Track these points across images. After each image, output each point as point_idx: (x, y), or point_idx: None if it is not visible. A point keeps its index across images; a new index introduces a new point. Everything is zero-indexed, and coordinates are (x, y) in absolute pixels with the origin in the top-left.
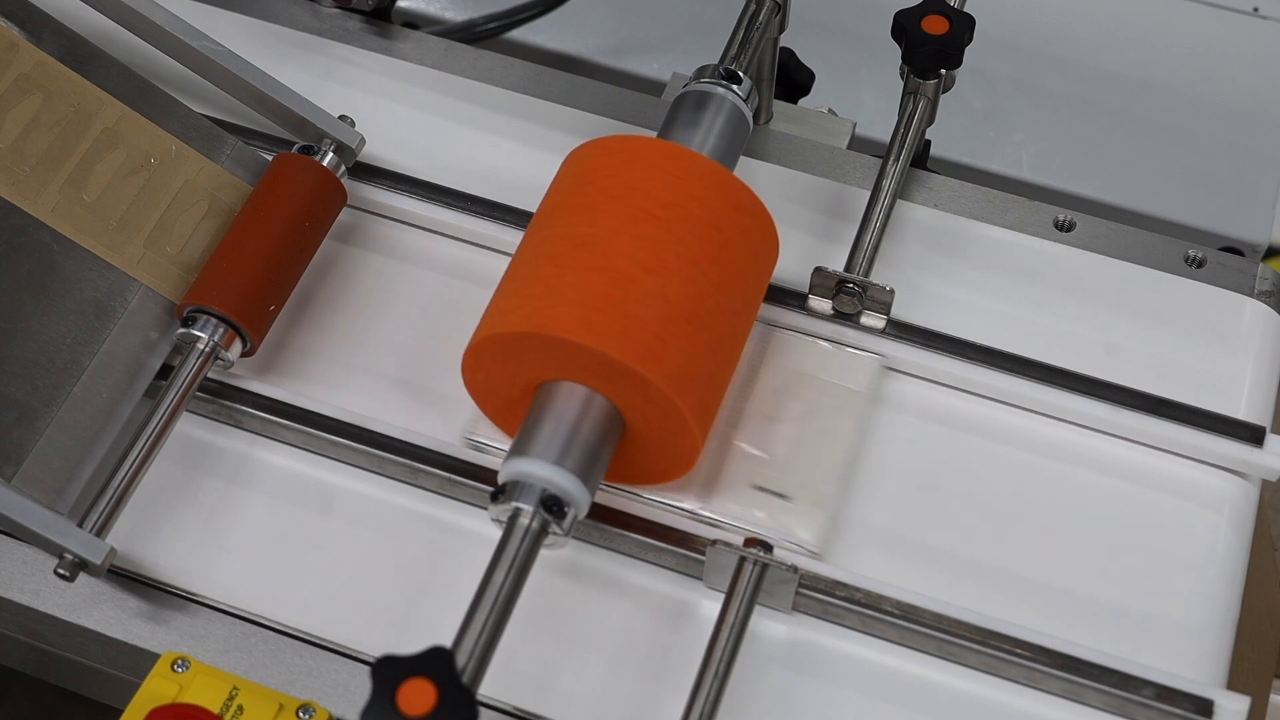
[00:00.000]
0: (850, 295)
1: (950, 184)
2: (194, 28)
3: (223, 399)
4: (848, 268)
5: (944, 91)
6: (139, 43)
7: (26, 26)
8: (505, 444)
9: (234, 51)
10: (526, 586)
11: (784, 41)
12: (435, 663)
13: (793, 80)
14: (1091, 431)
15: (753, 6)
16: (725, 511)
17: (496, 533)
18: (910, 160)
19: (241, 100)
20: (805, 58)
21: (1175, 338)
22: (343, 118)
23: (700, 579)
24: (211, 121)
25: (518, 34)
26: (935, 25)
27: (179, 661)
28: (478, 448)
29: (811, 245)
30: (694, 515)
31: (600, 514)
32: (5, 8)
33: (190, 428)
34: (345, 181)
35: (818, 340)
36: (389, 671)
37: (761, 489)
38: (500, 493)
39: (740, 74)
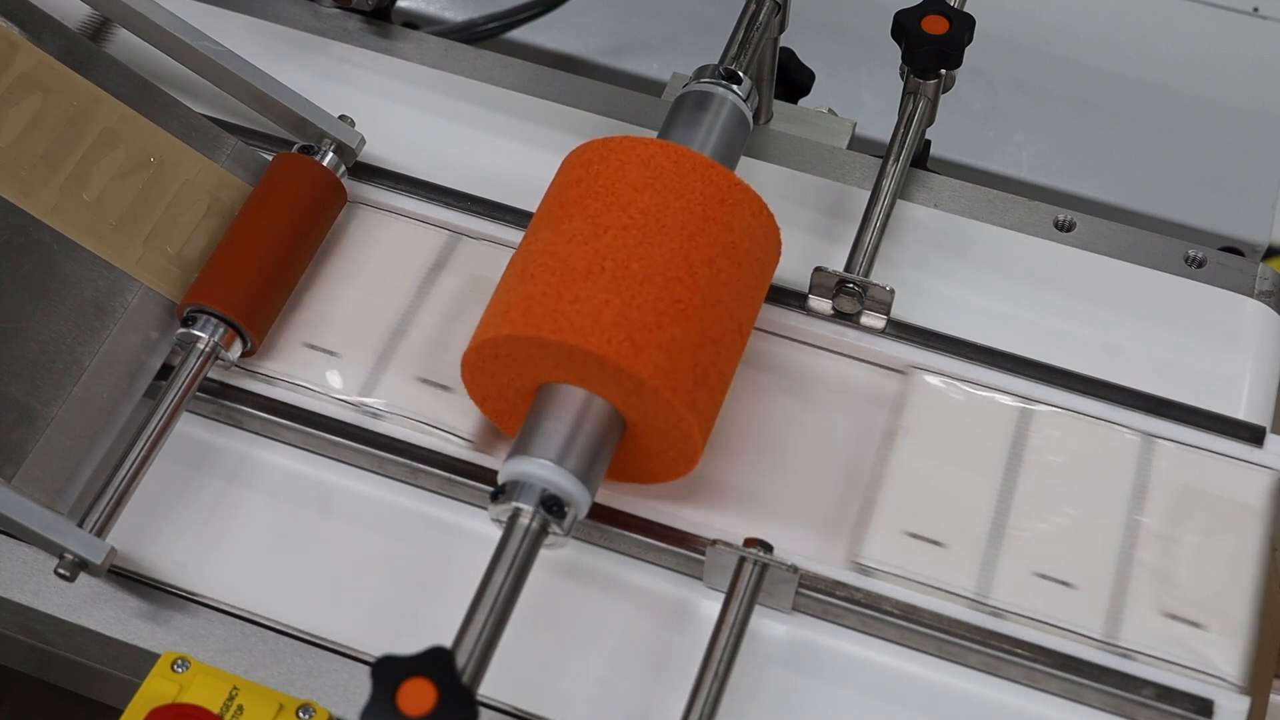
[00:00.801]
0: (850, 295)
1: (950, 184)
2: (194, 28)
3: (223, 399)
4: (848, 268)
5: (944, 91)
6: (139, 43)
7: (26, 26)
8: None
9: (234, 51)
10: (526, 586)
11: (784, 41)
12: (435, 663)
13: (793, 80)
14: None
15: (753, 6)
16: (1139, 642)
17: (496, 533)
18: (910, 160)
19: (241, 100)
20: (805, 58)
21: (1175, 338)
22: (343, 118)
23: (700, 579)
24: (211, 121)
25: (518, 34)
26: (935, 25)
27: (179, 661)
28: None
29: (811, 245)
30: (1103, 644)
31: (600, 514)
32: (5, 8)
33: (190, 428)
34: (345, 181)
35: (1208, 453)
36: (389, 671)
37: (1173, 616)
38: (500, 493)
39: (740, 74)
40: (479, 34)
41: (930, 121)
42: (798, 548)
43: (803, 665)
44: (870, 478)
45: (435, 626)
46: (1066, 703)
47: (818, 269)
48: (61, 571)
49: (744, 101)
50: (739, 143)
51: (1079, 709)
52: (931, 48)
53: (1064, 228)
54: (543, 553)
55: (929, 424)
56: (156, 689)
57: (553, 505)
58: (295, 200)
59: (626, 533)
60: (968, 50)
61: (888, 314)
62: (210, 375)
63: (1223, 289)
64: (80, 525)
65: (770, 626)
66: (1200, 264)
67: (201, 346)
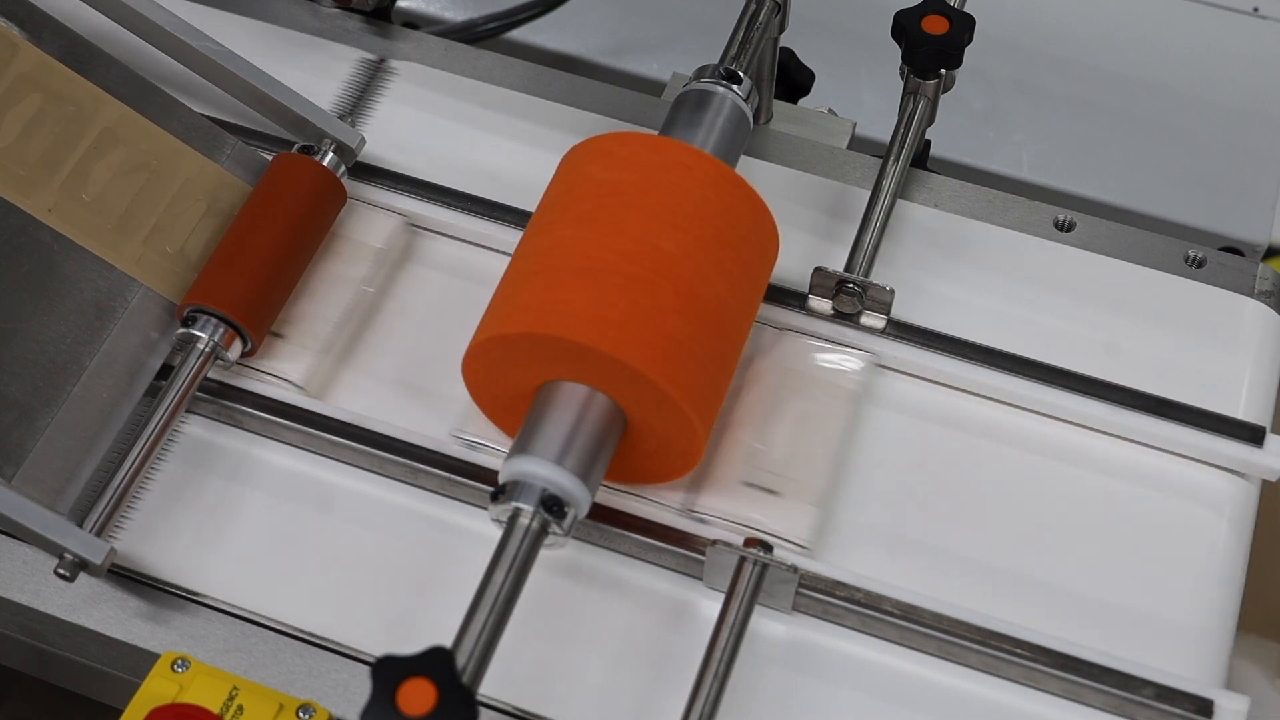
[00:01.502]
0: (850, 295)
1: (950, 184)
2: (194, 28)
3: (223, 399)
4: (848, 268)
5: (944, 91)
6: (139, 43)
7: (26, 26)
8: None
9: (234, 51)
10: (526, 586)
11: (784, 41)
12: (435, 663)
13: (793, 80)
14: (1091, 431)
15: (753, 6)
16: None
17: (496, 533)
18: (910, 160)
19: (241, 100)
20: (805, 58)
21: (1175, 338)
22: (343, 118)
23: (700, 579)
24: (211, 121)
25: (518, 34)
26: (935, 25)
27: (179, 661)
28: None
29: (811, 245)
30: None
31: (600, 514)
32: (5, 8)
33: (190, 428)
34: (345, 181)
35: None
36: (389, 671)
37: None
38: (500, 493)
39: (740, 74)
40: (479, 34)
41: (930, 121)
42: None
43: (803, 665)
44: None
45: (435, 626)
46: (1066, 703)
47: (818, 269)
48: (61, 571)
49: (744, 101)
50: (739, 142)
51: (1079, 709)
52: (931, 48)
53: (1064, 228)
54: (543, 553)
55: None
56: (156, 689)
57: (553, 505)
58: (295, 200)
59: (626, 533)
60: (968, 50)
61: (888, 314)
62: (210, 375)
63: (1223, 289)
64: (80, 525)
65: (770, 626)
66: (1200, 264)
67: (201, 346)
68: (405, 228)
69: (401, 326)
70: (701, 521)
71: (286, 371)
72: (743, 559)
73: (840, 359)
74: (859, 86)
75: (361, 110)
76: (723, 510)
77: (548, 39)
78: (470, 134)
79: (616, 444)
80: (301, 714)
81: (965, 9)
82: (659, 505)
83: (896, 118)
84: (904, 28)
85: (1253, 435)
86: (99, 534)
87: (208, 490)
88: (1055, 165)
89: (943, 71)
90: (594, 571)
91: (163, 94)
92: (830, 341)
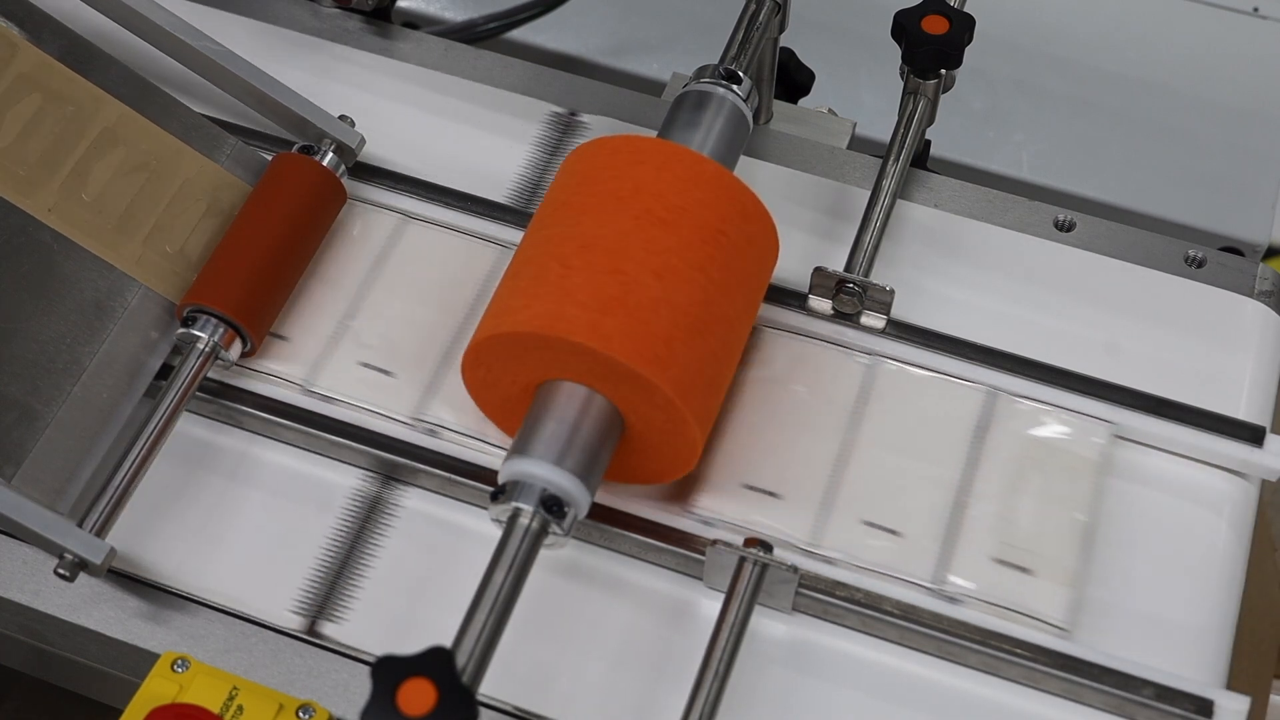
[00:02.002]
0: (850, 295)
1: (950, 184)
2: (194, 28)
3: (223, 399)
4: (848, 268)
5: (944, 91)
6: (139, 43)
7: (26, 26)
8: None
9: (234, 51)
10: (526, 586)
11: (784, 41)
12: (435, 663)
13: (793, 80)
14: None
15: (753, 6)
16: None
17: (496, 533)
18: (910, 160)
19: (241, 100)
20: (805, 58)
21: (1175, 338)
22: (343, 118)
23: (700, 579)
24: (211, 121)
25: (518, 34)
26: (935, 25)
27: (179, 661)
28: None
29: (811, 245)
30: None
31: (600, 514)
32: (5, 8)
33: (190, 427)
34: (345, 181)
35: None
36: (389, 671)
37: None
38: (500, 493)
39: (740, 74)
40: (479, 34)
41: (930, 121)
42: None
43: (803, 665)
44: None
45: (435, 626)
46: (1066, 703)
47: (818, 269)
48: (61, 571)
49: (744, 101)
50: (739, 143)
51: (1079, 709)
52: (931, 48)
53: (1064, 228)
54: (543, 553)
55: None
56: (156, 689)
57: (553, 505)
58: (295, 200)
59: (626, 533)
60: (968, 50)
61: (888, 314)
62: (210, 375)
63: (1223, 289)
64: (80, 525)
65: (770, 626)
66: (1200, 264)
67: (201, 346)
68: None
69: (401, 326)
70: (952, 601)
71: (288, 372)
72: (743, 559)
73: (1080, 426)
74: (859, 86)
75: (362, 110)
76: (969, 587)
77: (548, 39)
78: (470, 134)
79: (616, 444)
80: (301, 714)
81: (965, 9)
82: (900, 582)
83: (896, 118)
84: (904, 28)
85: (1253, 435)
86: (99, 534)
87: (208, 490)
88: (1055, 165)
89: (943, 71)
90: (594, 571)
91: (163, 94)
92: (1059, 408)
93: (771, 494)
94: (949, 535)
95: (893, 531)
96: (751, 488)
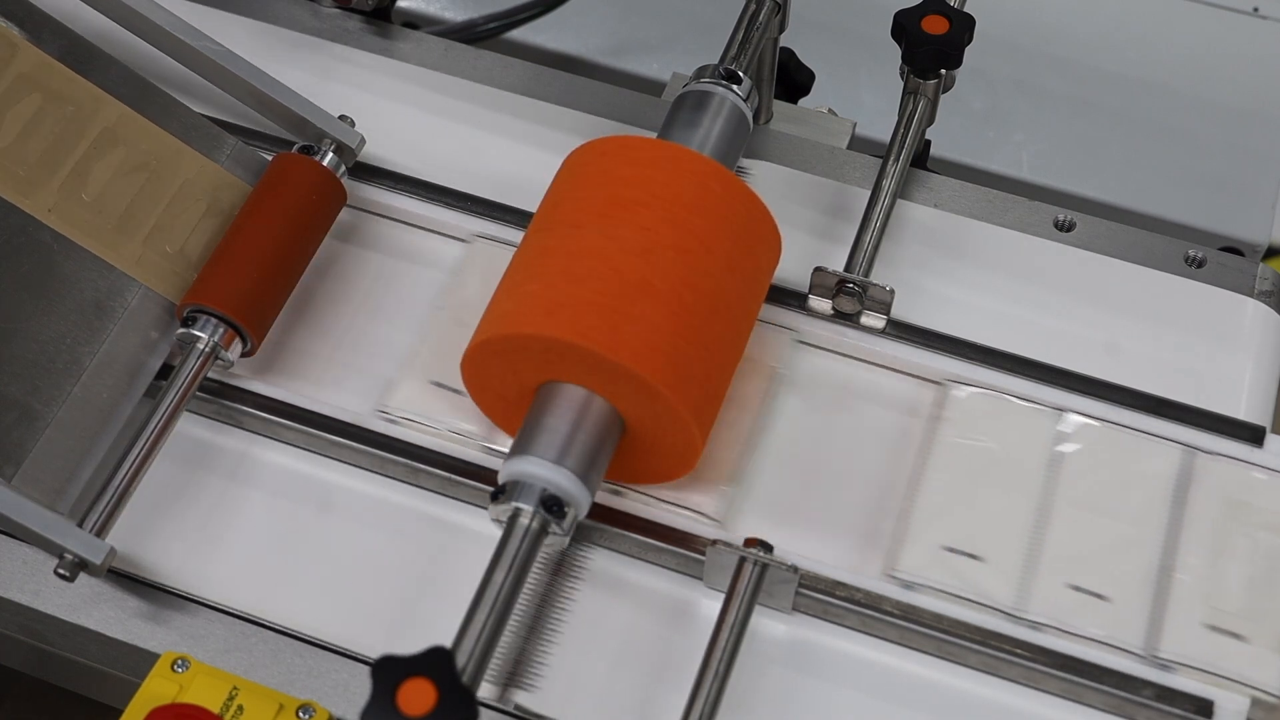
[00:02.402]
0: (850, 295)
1: (950, 184)
2: (194, 28)
3: (223, 399)
4: (848, 268)
5: (944, 91)
6: (139, 43)
7: (26, 26)
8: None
9: (234, 51)
10: (526, 586)
11: (784, 41)
12: (435, 663)
13: (793, 80)
14: None
15: (753, 6)
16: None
17: (496, 533)
18: (910, 160)
19: (241, 100)
20: (805, 58)
21: (1175, 338)
22: (343, 118)
23: (700, 579)
24: (211, 121)
25: (518, 34)
26: (935, 25)
27: (179, 661)
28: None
29: (811, 245)
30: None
31: (600, 514)
32: (5, 8)
33: (190, 428)
34: (345, 181)
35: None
36: (389, 671)
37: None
38: (500, 493)
39: (740, 74)
40: (479, 34)
41: (930, 121)
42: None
43: (803, 665)
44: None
45: (435, 626)
46: (1066, 703)
47: (818, 269)
48: (61, 571)
49: (744, 101)
50: (739, 143)
51: (1079, 709)
52: (931, 48)
53: (1064, 228)
54: (542, 553)
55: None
56: (156, 689)
57: (553, 505)
58: (295, 200)
59: (626, 533)
60: (968, 50)
61: (888, 314)
62: (210, 375)
63: (1223, 289)
64: (80, 525)
65: (770, 626)
66: (1200, 264)
67: (201, 347)
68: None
69: (401, 326)
70: (1165, 668)
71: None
72: (743, 559)
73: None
74: (859, 86)
75: (362, 110)
76: (1186, 656)
77: (548, 39)
78: (470, 134)
79: (616, 444)
80: (301, 714)
81: (965, 9)
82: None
83: (896, 118)
84: (904, 28)
85: (1253, 435)
86: (99, 534)
87: (208, 490)
88: (1055, 165)
89: (943, 71)
90: (594, 571)
91: (163, 94)
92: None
93: (973, 556)
94: (1156, 600)
95: (1100, 596)
96: (953, 550)
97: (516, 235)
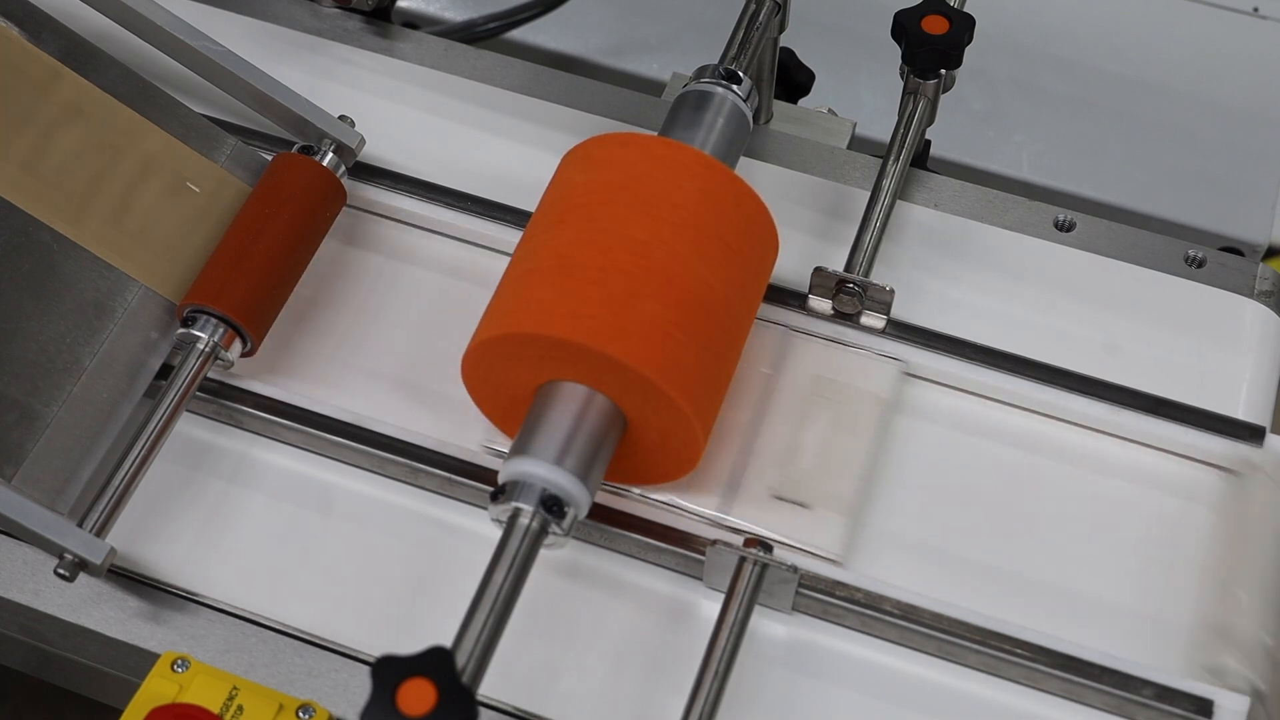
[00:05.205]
0: (850, 295)
1: (950, 184)
2: (194, 28)
3: (223, 399)
4: (848, 268)
5: (944, 91)
6: (139, 43)
7: (26, 26)
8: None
9: (234, 51)
10: (526, 586)
11: (784, 41)
12: (435, 663)
13: (793, 80)
14: (1091, 431)
15: (753, 6)
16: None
17: (496, 533)
18: (910, 160)
19: (241, 100)
20: (805, 58)
21: (1175, 338)
22: (343, 118)
23: (700, 579)
24: (211, 121)
25: (518, 34)
26: (935, 25)
27: (179, 661)
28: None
29: (811, 245)
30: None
31: (600, 514)
32: (5, 8)
33: (190, 428)
34: (345, 181)
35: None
36: (389, 671)
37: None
38: (500, 493)
39: (740, 74)
40: (479, 34)
41: (930, 121)
42: None
43: (803, 665)
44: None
45: (435, 626)
46: (1066, 703)
47: (818, 269)
48: (61, 571)
49: (744, 101)
50: (739, 143)
51: (1079, 709)
52: (931, 48)
53: (1064, 228)
54: (543, 553)
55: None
56: (156, 689)
57: (553, 505)
58: (295, 200)
59: (626, 533)
60: (968, 50)
61: (888, 314)
62: (210, 375)
63: (1223, 289)
64: (80, 525)
65: (770, 626)
66: (1200, 264)
67: (201, 347)
68: (904, 375)
69: (402, 326)
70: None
71: (818, 543)
72: (743, 559)
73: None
74: (859, 86)
75: (362, 110)
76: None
77: (548, 39)
78: (470, 134)
79: (616, 444)
80: (301, 714)
81: (965, 9)
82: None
83: (896, 118)
84: (904, 28)
85: (1253, 435)
86: (99, 534)
87: (208, 490)
88: (1055, 165)
89: (943, 71)
90: (594, 571)
91: (163, 94)
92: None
93: None
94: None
95: None
96: None
97: (516, 235)
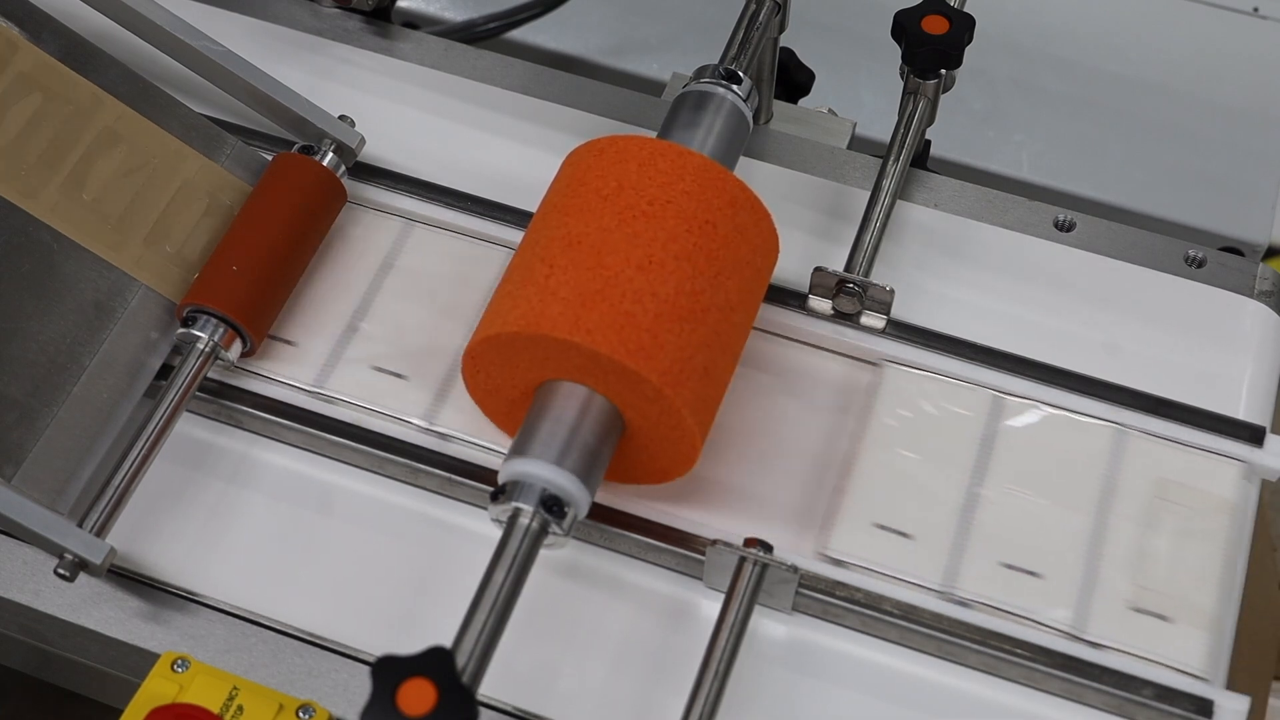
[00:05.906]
0: (850, 295)
1: (950, 184)
2: (194, 28)
3: (223, 399)
4: (848, 268)
5: (944, 91)
6: (139, 43)
7: (26, 26)
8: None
9: (234, 51)
10: (526, 586)
11: (784, 41)
12: (435, 663)
13: (793, 80)
14: None
15: (753, 6)
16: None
17: (496, 533)
18: (910, 160)
19: (241, 100)
20: (805, 58)
21: (1175, 338)
22: (343, 118)
23: (700, 579)
24: (211, 121)
25: (518, 34)
26: (935, 25)
27: (179, 661)
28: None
29: (811, 245)
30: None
31: (600, 514)
32: (5, 8)
33: (190, 428)
34: (345, 181)
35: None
36: (389, 671)
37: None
38: (500, 493)
39: (740, 74)
40: (479, 34)
41: (930, 121)
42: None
43: (803, 665)
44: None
45: (435, 626)
46: (1066, 703)
47: (818, 269)
48: (61, 571)
49: (744, 101)
50: (739, 143)
51: (1079, 709)
52: (931, 48)
53: (1064, 228)
54: (543, 553)
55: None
56: (156, 689)
57: (553, 505)
58: (295, 200)
59: (626, 533)
60: (968, 50)
61: (888, 314)
62: (210, 375)
63: (1223, 289)
64: (80, 525)
65: (770, 626)
66: (1200, 264)
67: (201, 346)
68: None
69: (401, 326)
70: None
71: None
72: (743, 559)
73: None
74: (859, 86)
75: (362, 110)
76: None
77: (548, 39)
78: (470, 134)
79: (616, 444)
80: (301, 714)
81: (965, 9)
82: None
83: (896, 118)
84: (904, 28)
85: (1252, 435)
86: (99, 534)
87: (208, 490)
88: (1055, 165)
89: (943, 71)
90: (594, 571)
91: (163, 94)
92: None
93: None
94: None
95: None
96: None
97: (516, 235)
